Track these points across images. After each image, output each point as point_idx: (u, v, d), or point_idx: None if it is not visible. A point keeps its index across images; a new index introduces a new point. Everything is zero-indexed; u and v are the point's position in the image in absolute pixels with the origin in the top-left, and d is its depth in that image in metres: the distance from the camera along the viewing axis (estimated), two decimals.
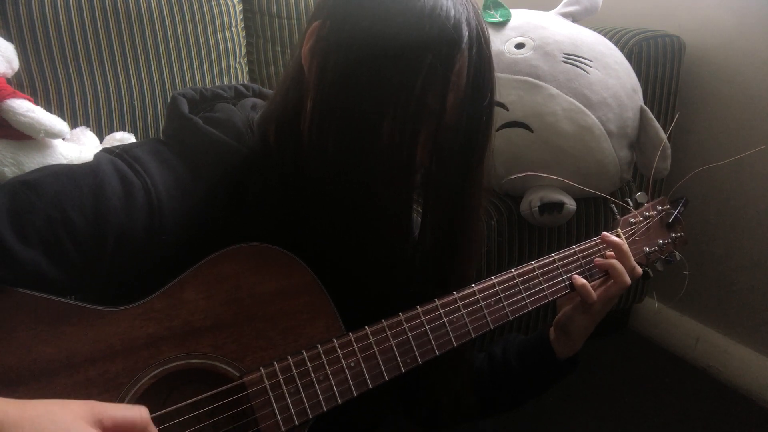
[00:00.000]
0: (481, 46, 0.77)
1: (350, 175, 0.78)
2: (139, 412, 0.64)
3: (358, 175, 0.78)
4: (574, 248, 1.00)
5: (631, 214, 1.09)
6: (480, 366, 1.09)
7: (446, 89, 0.76)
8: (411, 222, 0.87)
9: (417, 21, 0.74)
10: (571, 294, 0.98)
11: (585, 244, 1.01)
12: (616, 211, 1.09)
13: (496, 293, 0.90)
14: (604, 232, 1.02)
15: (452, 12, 0.75)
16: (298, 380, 0.76)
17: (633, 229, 1.07)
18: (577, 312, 0.99)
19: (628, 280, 0.97)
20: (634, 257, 1.01)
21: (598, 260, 1.00)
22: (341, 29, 0.76)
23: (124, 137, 1.56)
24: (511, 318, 0.91)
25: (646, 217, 1.10)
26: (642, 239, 1.08)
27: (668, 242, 1.12)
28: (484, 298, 0.89)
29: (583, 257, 1.00)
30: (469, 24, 0.76)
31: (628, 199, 1.10)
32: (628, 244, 1.03)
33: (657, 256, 1.10)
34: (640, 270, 1.00)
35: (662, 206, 1.13)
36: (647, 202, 1.11)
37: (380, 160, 0.77)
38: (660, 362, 1.98)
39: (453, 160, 0.81)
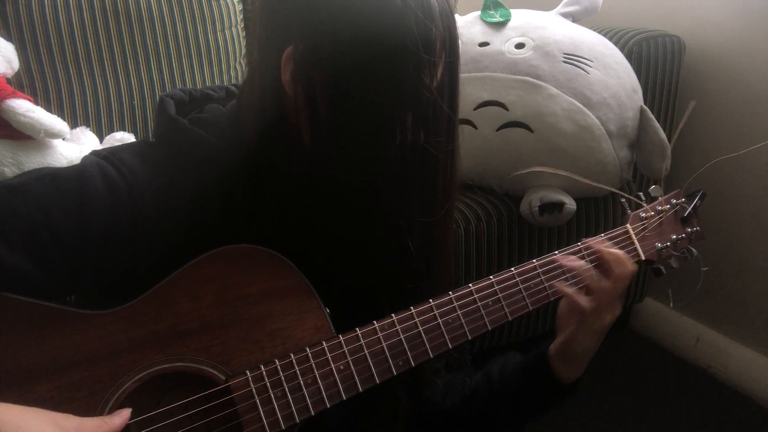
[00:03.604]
0: (449, 8, 0.78)
1: (364, 179, 0.79)
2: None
3: (374, 179, 0.79)
4: (578, 245, 0.96)
5: (642, 209, 1.06)
6: (475, 386, 1.05)
7: (432, 64, 0.76)
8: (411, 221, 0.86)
9: (394, 16, 0.73)
10: (569, 316, 0.95)
11: (588, 241, 0.98)
12: (627, 206, 1.06)
13: (495, 293, 0.88)
14: (584, 238, 0.98)
15: None
16: (285, 384, 0.75)
17: (644, 224, 1.04)
18: (579, 331, 0.93)
19: (627, 273, 0.92)
20: (644, 253, 0.99)
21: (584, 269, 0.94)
22: (320, 47, 0.75)
23: (124, 137, 1.55)
24: (510, 318, 0.88)
25: (658, 212, 1.06)
26: (653, 234, 1.05)
27: (683, 237, 1.08)
28: (481, 298, 0.87)
29: (588, 254, 0.96)
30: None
31: (641, 193, 1.07)
32: (639, 239, 1.01)
33: (670, 252, 1.06)
34: (634, 267, 0.95)
35: (677, 200, 1.09)
36: (661, 196, 1.08)
37: (400, 156, 0.78)
38: (660, 362, 1.96)
39: (442, 136, 0.82)
